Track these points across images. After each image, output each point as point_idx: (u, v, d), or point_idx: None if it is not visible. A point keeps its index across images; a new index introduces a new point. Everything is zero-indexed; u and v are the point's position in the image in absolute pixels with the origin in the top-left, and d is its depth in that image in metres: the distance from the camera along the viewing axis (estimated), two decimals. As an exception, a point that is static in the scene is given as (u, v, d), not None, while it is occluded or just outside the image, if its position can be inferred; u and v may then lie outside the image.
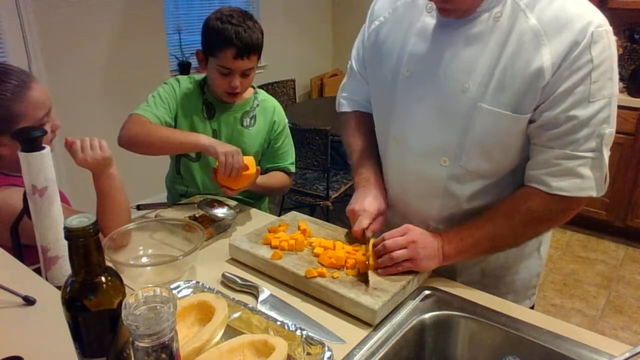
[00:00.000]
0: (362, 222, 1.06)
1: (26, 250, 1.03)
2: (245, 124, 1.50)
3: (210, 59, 1.40)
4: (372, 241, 1.03)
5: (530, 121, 0.92)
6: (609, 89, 0.88)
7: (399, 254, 0.97)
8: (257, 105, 1.52)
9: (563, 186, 0.91)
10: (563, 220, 0.98)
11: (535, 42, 0.87)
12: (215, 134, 1.49)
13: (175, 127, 1.46)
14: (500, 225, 0.98)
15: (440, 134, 0.99)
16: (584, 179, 0.91)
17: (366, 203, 1.09)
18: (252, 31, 1.36)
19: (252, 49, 1.36)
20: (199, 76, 1.53)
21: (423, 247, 0.98)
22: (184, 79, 1.52)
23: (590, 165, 0.90)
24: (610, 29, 0.87)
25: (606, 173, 0.93)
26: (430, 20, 0.99)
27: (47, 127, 1.16)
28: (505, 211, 0.98)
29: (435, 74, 0.97)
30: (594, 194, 0.92)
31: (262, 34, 1.41)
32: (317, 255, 1.05)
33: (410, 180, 1.08)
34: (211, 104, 1.50)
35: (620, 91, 3.20)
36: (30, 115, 1.12)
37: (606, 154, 0.91)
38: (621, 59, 3.38)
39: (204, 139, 1.30)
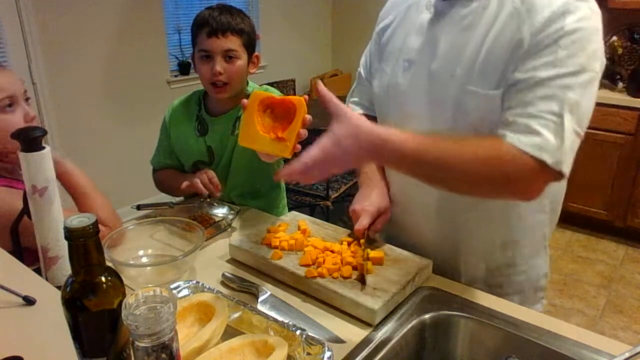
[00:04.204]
0: (363, 222, 1.08)
1: (26, 252, 1.03)
2: (237, 131, 1.39)
3: (194, 52, 1.36)
4: (368, 251, 1.03)
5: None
6: (582, 59, 0.85)
7: (308, 155, 0.92)
8: None
9: (522, 140, 0.85)
10: (517, 187, 0.88)
11: (518, 20, 0.89)
12: (210, 150, 1.45)
13: (176, 153, 1.52)
14: (454, 151, 0.87)
15: (433, 122, 1.00)
16: (543, 138, 0.85)
17: (367, 202, 1.11)
18: (231, 15, 1.32)
19: (227, 27, 1.30)
20: (200, 90, 1.49)
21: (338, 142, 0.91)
22: (172, 106, 1.51)
23: (550, 128, 0.85)
24: (596, 8, 0.87)
25: (568, 148, 0.85)
26: (427, 16, 1.01)
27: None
28: (467, 141, 0.90)
29: (429, 64, 0.99)
30: (548, 159, 0.84)
31: (252, 27, 1.37)
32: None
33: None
34: (204, 119, 1.45)
35: (620, 91, 3.19)
36: None
37: (568, 124, 0.85)
38: (621, 59, 3.37)
39: (188, 179, 1.38)
